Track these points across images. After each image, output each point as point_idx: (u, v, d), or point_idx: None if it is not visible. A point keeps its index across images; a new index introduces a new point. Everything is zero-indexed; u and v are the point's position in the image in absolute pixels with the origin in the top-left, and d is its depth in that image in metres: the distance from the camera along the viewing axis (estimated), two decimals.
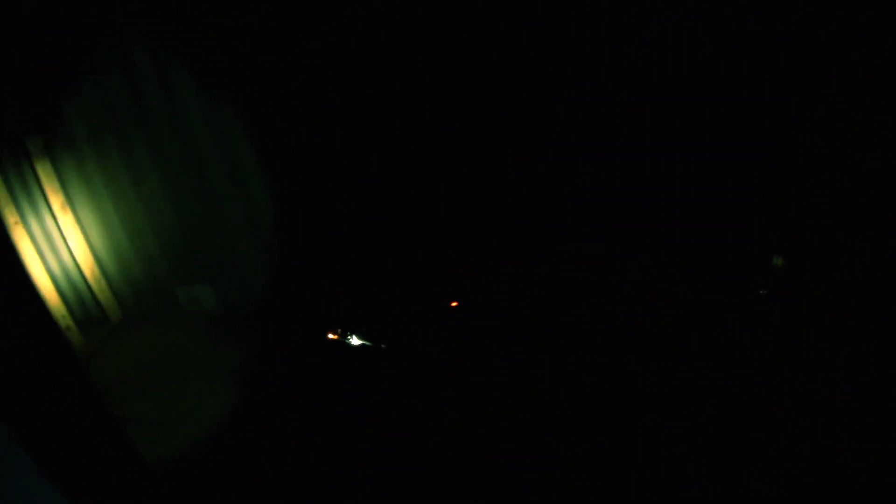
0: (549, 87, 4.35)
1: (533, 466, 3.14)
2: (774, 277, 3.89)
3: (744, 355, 3.64)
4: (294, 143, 4.94)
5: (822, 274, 3.68)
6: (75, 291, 5.95)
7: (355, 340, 4.45)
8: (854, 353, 3.39)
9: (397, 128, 4.62)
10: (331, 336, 4.54)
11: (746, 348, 3.68)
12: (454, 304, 4.58)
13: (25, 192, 5.49)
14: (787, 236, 3.90)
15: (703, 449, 3.07)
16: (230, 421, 4.04)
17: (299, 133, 4.90)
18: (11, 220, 5.09)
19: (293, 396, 4.11)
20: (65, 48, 5.17)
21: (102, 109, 5.50)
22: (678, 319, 4.02)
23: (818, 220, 3.74)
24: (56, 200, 5.64)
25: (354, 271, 5.06)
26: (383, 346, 4.37)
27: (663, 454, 3.07)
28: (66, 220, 5.74)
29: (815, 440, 2.99)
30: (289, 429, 3.76)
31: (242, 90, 4.96)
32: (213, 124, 5.26)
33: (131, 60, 5.19)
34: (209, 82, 5.02)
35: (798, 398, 3.26)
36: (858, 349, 3.40)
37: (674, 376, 3.60)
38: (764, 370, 3.51)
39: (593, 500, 2.86)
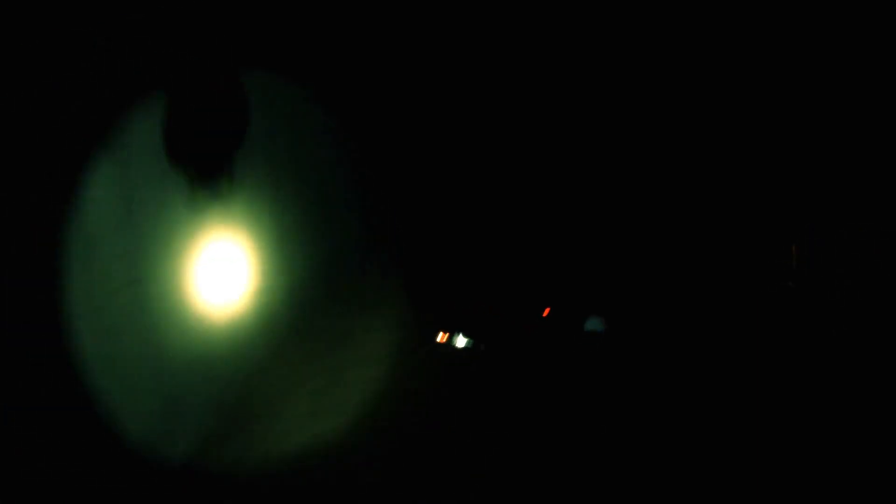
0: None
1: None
2: (799, 270, 3.98)
3: (771, 349, 3.78)
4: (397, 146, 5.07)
5: (848, 267, 3.77)
6: None
7: (461, 341, 4.65)
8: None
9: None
10: (441, 337, 4.71)
11: (774, 341, 3.81)
12: (546, 312, 4.68)
13: None
14: (810, 228, 4.01)
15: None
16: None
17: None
18: None
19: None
20: None
21: None
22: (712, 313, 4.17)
23: (843, 213, 3.83)
24: None
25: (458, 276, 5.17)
26: (482, 347, 4.57)
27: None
28: None
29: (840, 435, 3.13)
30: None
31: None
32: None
33: None
34: None
35: (824, 392, 3.41)
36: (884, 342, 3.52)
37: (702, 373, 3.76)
38: (791, 364, 3.65)
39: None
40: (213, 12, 3.88)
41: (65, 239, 2.79)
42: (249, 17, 4.15)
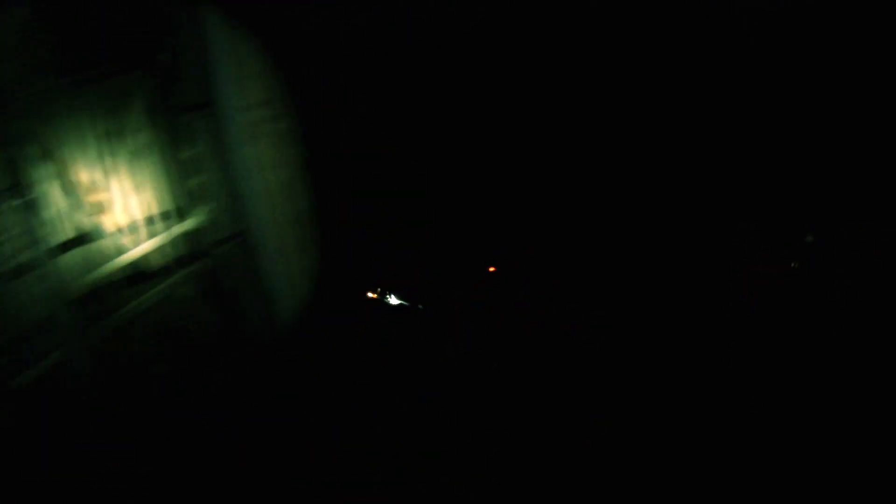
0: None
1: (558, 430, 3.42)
2: (806, 252, 4.03)
3: (775, 329, 3.86)
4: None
5: (852, 252, 3.82)
6: None
7: (394, 300, 4.77)
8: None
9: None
10: (370, 295, 4.85)
11: (778, 323, 3.90)
12: (492, 269, 4.85)
13: None
14: (819, 215, 4.05)
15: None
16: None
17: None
18: None
19: (334, 354, 4.46)
20: None
21: None
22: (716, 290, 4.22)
23: (851, 200, 3.88)
24: None
25: (398, 237, 5.32)
26: (420, 306, 4.67)
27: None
28: None
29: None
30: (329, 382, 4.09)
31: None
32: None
33: None
34: None
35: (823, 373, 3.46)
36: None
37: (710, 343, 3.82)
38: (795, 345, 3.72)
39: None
40: None
41: None
42: None
